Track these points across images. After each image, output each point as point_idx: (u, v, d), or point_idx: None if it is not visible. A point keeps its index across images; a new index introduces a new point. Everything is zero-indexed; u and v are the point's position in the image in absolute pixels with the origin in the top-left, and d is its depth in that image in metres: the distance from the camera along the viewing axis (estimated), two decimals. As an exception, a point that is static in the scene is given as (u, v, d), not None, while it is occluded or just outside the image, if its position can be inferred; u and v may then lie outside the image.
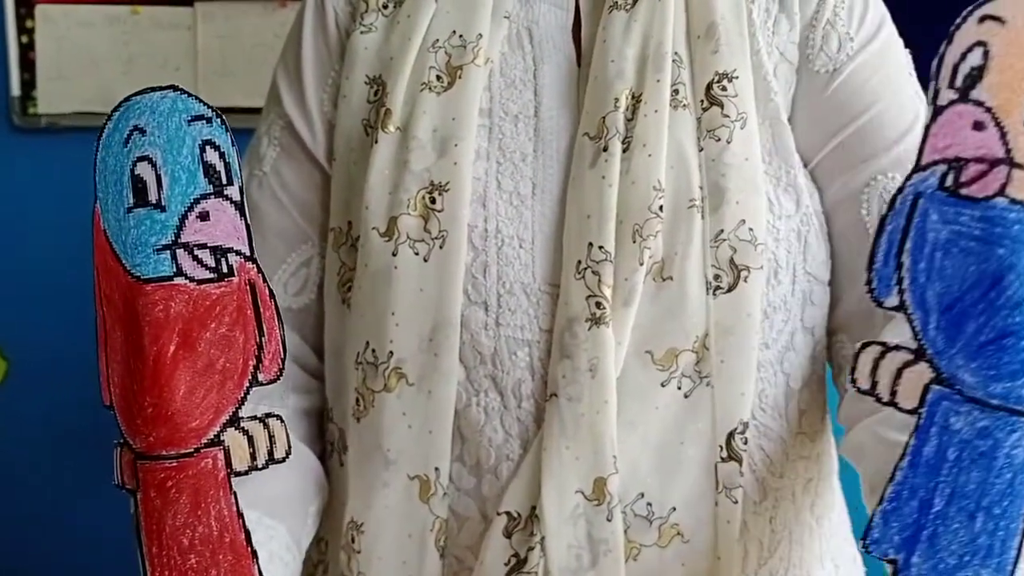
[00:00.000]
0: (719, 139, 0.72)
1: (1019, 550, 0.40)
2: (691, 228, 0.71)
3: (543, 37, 0.76)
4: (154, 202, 0.40)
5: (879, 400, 0.42)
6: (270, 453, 0.43)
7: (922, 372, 0.40)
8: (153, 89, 0.43)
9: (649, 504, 0.72)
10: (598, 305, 0.69)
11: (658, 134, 0.71)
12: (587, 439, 0.69)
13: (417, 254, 0.72)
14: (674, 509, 0.72)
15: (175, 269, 0.40)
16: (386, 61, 0.76)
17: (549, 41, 0.76)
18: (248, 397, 0.43)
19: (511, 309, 0.72)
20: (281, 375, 0.42)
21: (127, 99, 0.43)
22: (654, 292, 0.71)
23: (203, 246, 0.40)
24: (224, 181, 0.41)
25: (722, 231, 0.71)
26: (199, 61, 1.65)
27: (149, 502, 0.42)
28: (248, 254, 0.42)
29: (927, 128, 0.39)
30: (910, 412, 0.41)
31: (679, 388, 0.71)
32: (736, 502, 0.72)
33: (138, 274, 0.40)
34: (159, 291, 0.40)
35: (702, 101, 0.73)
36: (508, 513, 0.71)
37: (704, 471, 0.72)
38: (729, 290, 0.71)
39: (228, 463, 0.42)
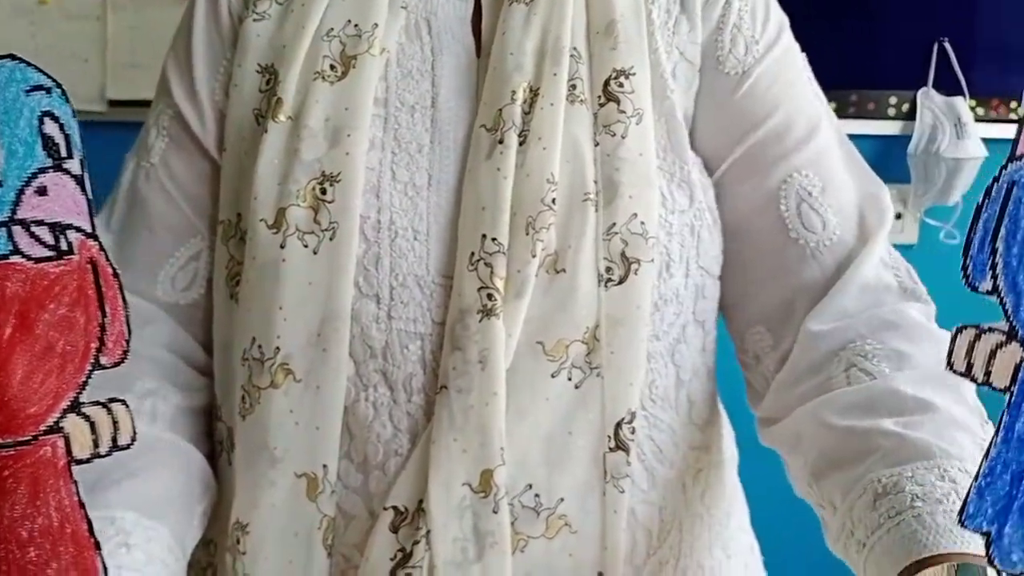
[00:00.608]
0: (614, 134, 0.73)
1: None
2: (584, 221, 0.71)
3: (441, 28, 0.76)
4: None
5: (974, 380, 0.42)
6: (114, 440, 0.40)
7: (1015, 352, 0.41)
8: None
9: (537, 495, 0.71)
10: (490, 297, 0.69)
11: (553, 128, 0.71)
12: (475, 431, 0.69)
13: (306, 246, 0.70)
14: (562, 500, 0.72)
15: (11, 247, 0.38)
16: (279, 49, 0.75)
17: (448, 32, 0.76)
18: (90, 381, 0.40)
19: (404, 302, 0.71)
20: (126, 357, 0.40)
21: None
22: (547, 284, 0.71)
23: (40, 222, 0.38)
24: (64, 154, 0.39)
25: (615, 224, 0.71)
26: (109, 52, 1.61)
27: (-16, 493, 0.39)
28: (89, 231, 0.39)
29: (1021, 119, 0.40)
30: (1003, 391, 0.41)
31: (569, 379, 0.71)
32: (623, 492, 0.72)
33: None
34: None
35: (599, 97, 0.74)
36: (395, 508, 0.70)
37: (592, 461, 0.72)
38: (620, 282, 0.71)
39: (69, 451, 0.39)
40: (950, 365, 0.42)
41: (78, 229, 0.39)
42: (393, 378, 0.72)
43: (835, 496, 0.70)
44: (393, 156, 0.73)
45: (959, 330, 0.42)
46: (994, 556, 0.42)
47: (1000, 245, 0.41)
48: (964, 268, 0.42)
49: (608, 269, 0.72)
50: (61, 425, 0.39)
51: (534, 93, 0.73)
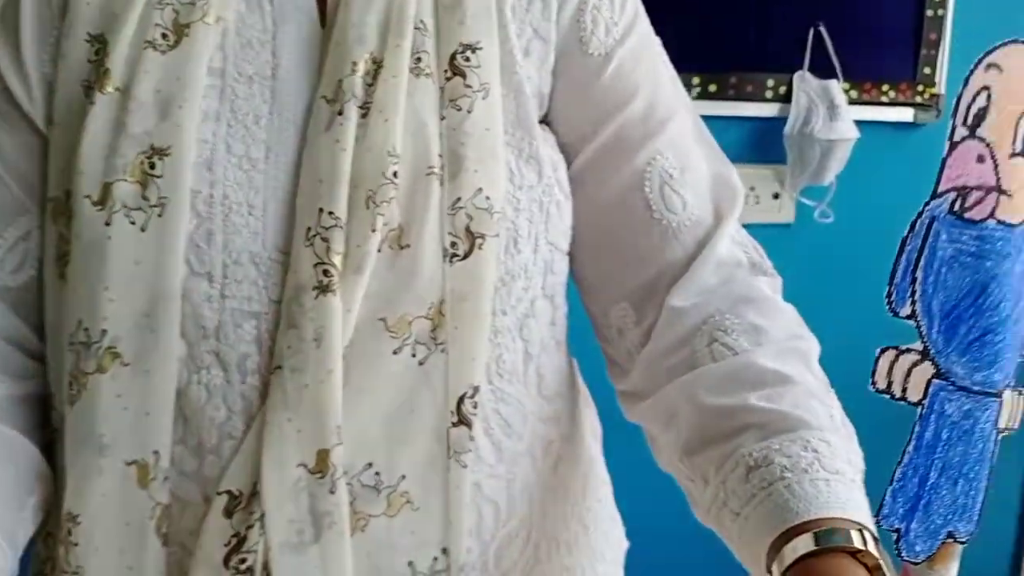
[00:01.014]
0: (460, 108, 0.72)
1: (983, 504, 0.48)
2: (428, 195, 0.70)
3: None
4: None
5: (893, 396, 0.44)
6: None
7: (926, 369, 0.49)
8: None
9: (377, 473, 0.70)
10: (326, 273, 0.67)
11: (396, 100, 0.70)
12: (310, 411, 0.67)
13: (133, 223, 0.68)
14: (403, 477, 0.71)
15: None
16: (109, 17, 0.71)
17: (290, 2, 0.73)
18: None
19: (238, 280, 0.69)
20: None
21: None
22: (390, 260, 0.70)
23: None
24: None
25: (460, 199, 0.71)
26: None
27: None
28: None
29: (944, 160, 0.43)
30: (916, 404, 0.43)
31: (413, 355, 0.70)
32: (466, 467, 0.72)
33: None
34: None
35: (446, 71, 0.73)
36: (229, 492, 0.69)
37: (435, 437, 0.71)
38: (465, 257, 0.71)
39: None
40: (873, 384, 0.46)
41: None
42: (227, 359, 0.69)
43: (708, 471, 0.72)
44: (229, 128, 0.70)
45: (882, 351, 0.47)
46: (902, 548, 0.47)
47: (919, 275, 0.45)
48: (888, 296, 0.47)
49: (453, 244, 0.71)
50: None
51: (377, 65, 0.71)
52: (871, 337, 1.75)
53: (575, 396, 0.88)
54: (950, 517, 0.47)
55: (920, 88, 1.97)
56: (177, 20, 0.71)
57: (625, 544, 0.96)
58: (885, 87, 1.97)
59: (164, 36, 0.70)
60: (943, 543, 0.47)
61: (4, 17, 0.75)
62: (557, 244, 0.79)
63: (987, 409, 0.47)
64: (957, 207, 0.45)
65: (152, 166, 0.68)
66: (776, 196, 1.98)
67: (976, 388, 0.46)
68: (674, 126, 0.82)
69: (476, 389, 0.72)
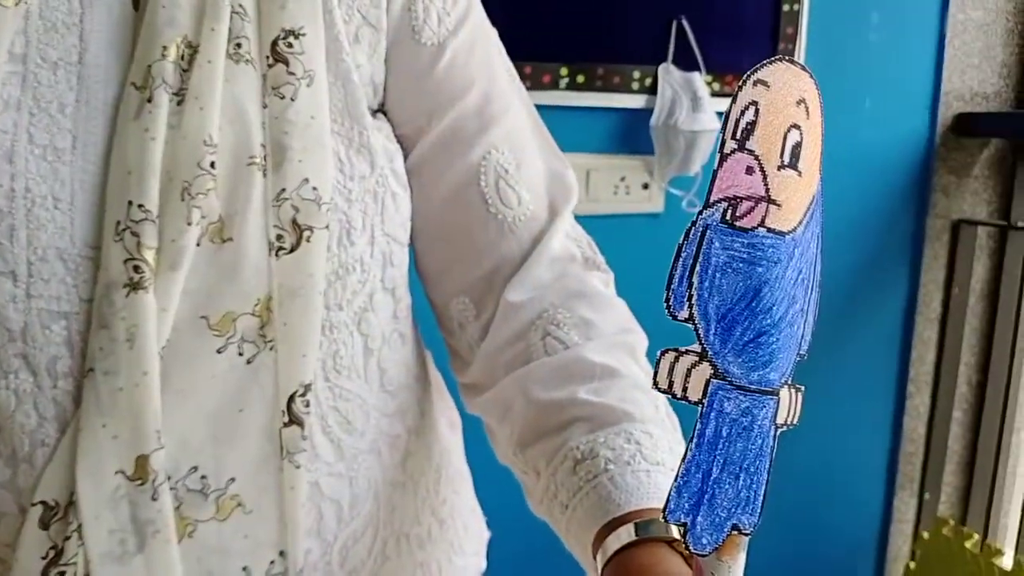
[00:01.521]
0: (283, 96, 0.70)
1: (764, 496, 0.52)
2: (251, 187, 0.68)
3: None
4: None
5: (674, 395, 0.50)
6: None
7: (705, 370, 0.50)
8: None
9: (204, 477, 0.68)
10: (136, 269, 0.64)
11: (211, 87, 0.67)
12: (126, 415, 0.64)
13: None
14: (233, 480, 0.69)
15: None
16: None
17: None
18: None
19: (44, 278, 0.65)
20: None
21: None
22: (212, 254, 0.67)
23: None
24: None
25: (284, 190, 0.68)
26: None
27: None
28: None
29: (715, 172, 0.48)
30: (696, 403, 0.50)
31: (240, 354, 0.68)
32: (299, 467, 0.70)
33: None
34: None
35: (267, 57, 0.70)
36: (44, 503, 0.65)
37: (266, 437, 0.70)
38: (292, 250, 0.68)
39: None
40: (655, 384, 0.50)
41: None
42: (36, 362, 0.65)
43: (540, 463, 0.73)
44: (31, 117, 0.66)
45: (662, 353, 0.50)
46: (689, 541, 0.50)
47: (695, 280, 0.49)
48: (666, 300, 0.49)
49: (279, 237, 0.68)
50: None
51: (193, 50, 0.68)
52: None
53: (425, 388, 0.87)
54: (733, 510, 0.50)
55: (778, 80, 2.03)
56: None
57: (487, 534, 0.96)
58: (745, 79, 2.02)
59: None
60: (729, 535, 0.50)
61: None
62: (395, 236, 0.77)
63: (764, 407, 0.50)
64: (728, 216, 0.48)
65: None
66: (646, 186, 2.02)
67: (753, 387, 0.49)
68: (509, 120, 0.81)
69: (308, 387, 0.70)
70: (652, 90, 1.96)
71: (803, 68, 0.48)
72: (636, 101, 1.97)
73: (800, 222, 0.50)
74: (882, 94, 2.19)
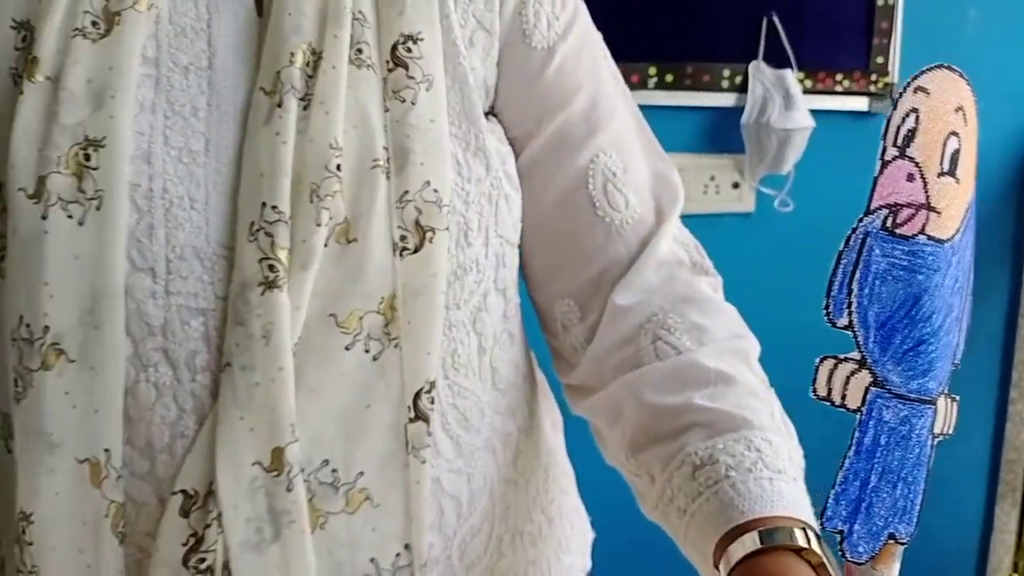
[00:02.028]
0: (404, 100, 0.71)
1: (922, 505, 0.51)
2: (375, 189, 0.69)
3: None
4: None
5: (832, 403, 0.49)
6: None
7: (864, 378, 0.49)
8: None
9: (335, 470, 0.70)
10: (271, 268, 0.66)
11: (336, 92, 0.69)
12: (262, 409, 0.66)
13: (71, 217, 0.66)
14: (361, 474, 0.70)
15: None
16: (34, 3, 0.69)
17: None
18: None
19: (183, 275, 0.67)
20: None
21: None
22: (338, 254, 0.68)
23: None
24: None
25: (407, 192, 0.70)
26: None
27: None
28: None
29: (875, 179, 0.48)
30: (855, 411, 0.49)
31: (367, 351, 0.70)
32: (424, 462, 0.71)
33: None
34: None
35: (387, 62, 0.72)
36: (184, 491, 0.67)
37: (392, 433, 0.71)
38: (415, 251, 0.70)
39: None
40: (814, 391, 0.50)
41: None
42: (175, 356, 0.67)
43: (654, 468, 0.74)
44: (166, 120, 0.68)
45: (821, 360, 0.50)
46: (846, 549, 0.50)
47: (855, 287, 0.49)
48: (826, 307, 0.49)
49: (403, 238, 0.70)
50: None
51: (317, 56, 0.70)
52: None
53: (532, 388, 0.87)
54: (890, 519, 0.50)
55: (873, 77, 1.98)
56: (107, 7, 0.68)
57: (591, 535, 0.96)
58: (839, 76, 1.98)
59: (94, 24, 0.68)
60: (884, 544, 0.49)
61: None
62: (507, 237, 0.78)
63: (923, 416, 0.50)
64: (888, 223, 0.47)
65: (87, 158, 0.66)
66: (736, 186, 1.99)
67: (912, 395, 0.48)
68: (616, 124, 0.81)
69: (432, 384, 0.71)
70: (742, 88, 1.93)
71: (961, 75, 0.48)
72: (726, 100, 1.94)
73: (958, 230, 0.49)
74: (980, 91, 2.11)
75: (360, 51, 0.71)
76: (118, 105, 0.66)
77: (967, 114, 0.49)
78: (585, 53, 0.81)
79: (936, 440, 0.49)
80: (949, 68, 0.48)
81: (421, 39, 0.72)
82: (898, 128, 0.47)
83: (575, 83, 0.80)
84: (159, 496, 0.68)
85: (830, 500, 0.50)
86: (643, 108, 0.87)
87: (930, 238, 0.48)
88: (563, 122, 0.79)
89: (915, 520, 0.50)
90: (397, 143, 0.70)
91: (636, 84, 1.83)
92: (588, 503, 0.97)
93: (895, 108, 0.47)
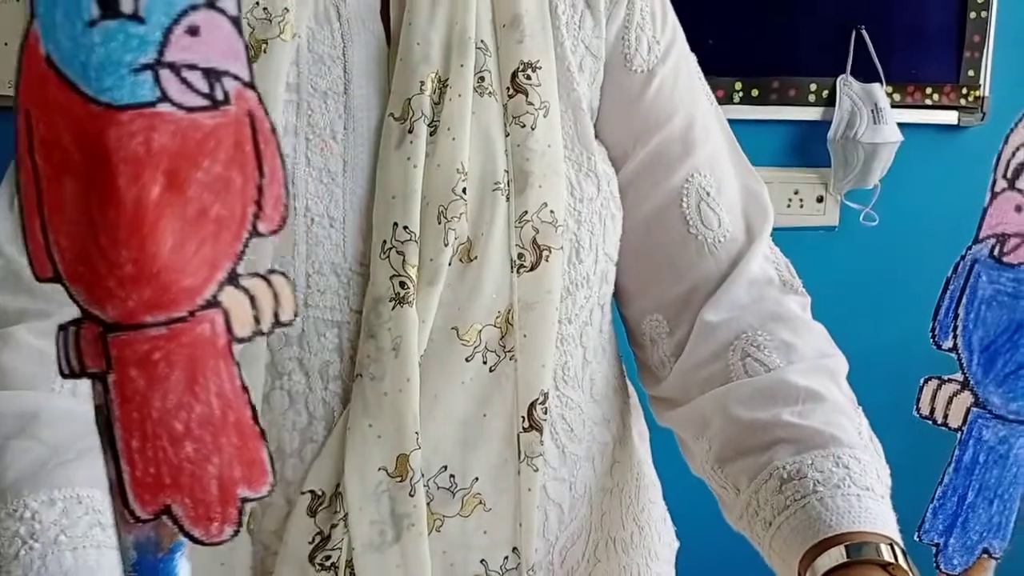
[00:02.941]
0: (524, 125, 0.75)
1: (1016, 522, 0.52)
2: (496, 210, 0.73)
3: (351, 15, 0.76)
4: (129, 12, 0.31)
5: (935, 422, 0.51)
6: (276, 315, 0.35)
7: (966, 398, 0.51)
8: None
9: (452, 476, 0.73)
10: (402, 285, 0.70)
11: (462, 119, 0.73)
12: (389, 417, 0.70)
13: None
14: (477, 479, 0.74)
15: (159, 93, 0.32)
16: None
17: (358, 19, 0.76)
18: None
19: (320, 290, 0.71)
20: (283, 224, 0.34)
21: None
22: (461, 271, 0.72)
23: (193, 67, 0.32)
24: None
25: (526, 213, 0.74)
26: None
27: (128, 383, 0.33)
28: (247, 79, 0.34)
29: (985, 210, 0.49)
30: (956, 430, 0.51)
31: (484, 362, 0.73)
32: (536, 470, 0.75)
33: (108, 99, 0.31)
34: (138, 119, 0.32)
35: (508, 89, 0.75)
36: (312, 492, 0.71)
37: (506, 441, 0.74)
38: (532, 268, 0.74)
39: (228, 328, 0.34)
40: (918, 410, 0.51)
41: (235, 77, 0.33)
42: (309, 365, 0.72)
43: (740, 481, 0.75)
44: (308, 142, 0.72)
45: (925, 381, 0.52)
46: (940, 562, 0.51)
47: (961, 311, 0.50)
48: (932, 330, 0.51)
49: (520, 256, 0.74)
50: (219, 299, 0.34)
51: (443, 84, 0.74)
52: (916, 337, 1.75)
53: (624, 399, 0.90)
54: (985, 534, 0.52)
55: (964, 91, 1.96)
56: (254, 35, 0.72)
57: (676, 544, 0.98)
58: (928, 90, 1.96)
59: None
60: (978, 558, 0.51)
61: None
62: (611, 255, 0.82)
63: (1021, 436, 0.51)
64: (996, 252, 0.49)
65: None
66: (820, 199, 1.98)
67: (1012, 417, 0.51)
68: (711, 144, 0.84)
69: (546, 395, 0.75)
70: (827, 102, 1.93)
71: None
72: (812, 113, 1.94)
73: None
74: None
75: (483, 79, 0.75)
76: None
77: None
78: (682, 74, 0.84)
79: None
80: None
81: (539, 67, 0.76)
82: (1009, 161, 0.48)
83: (672, 104, 0.82)
84: (287, 497, 0.72)
85: (928, 514, 0.51)
86: (728, 122, 0.89)
87: None
88: (660, 143, 0.82)
89: (1009, 535, 0.52)
90: (517, 166, 0.74)
91: (722, 99, 1.83)
92: (672, 513, 0.98)
93: (1006, 143, 0.49)
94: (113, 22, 0.32)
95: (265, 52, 0.72)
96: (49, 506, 0.63)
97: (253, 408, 0.35)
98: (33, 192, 0.34)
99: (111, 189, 0.32)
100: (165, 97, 0.32)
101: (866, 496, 0.69)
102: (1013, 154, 0.48)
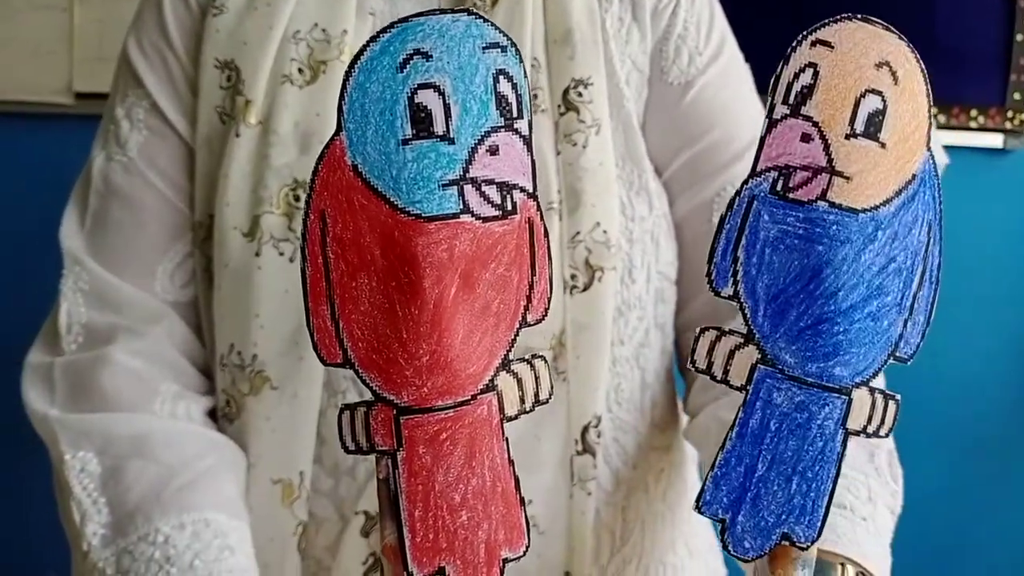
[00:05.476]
0: (575, 144, 0.75)
1: (827, 509, 0.47)
2: (549, 230, 0.73)
3: None
4: (440, 134, 0.37)
5: (713, 378, 0.47)
6: (536, 395, 0.41)
7: (750, 354, 0.46)
8: (436, 10, 0.40)
9: None
10: None
11: None
12: None
13: (282, 254, 0.72)
14: (530, 502, 0.74)
15: (461, 206, 0.38)
16: (239, 46, 0.75)
17: None
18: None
19: None
20: (547, 314, 0.40)
21: (402, 21, 0.39)
22: None
23: (491, 182, 0.38)
24: (515, 114, 0.39)
25: (578, 233, 0.74)
26: (75, 45, 1.56)
27: (416, 460, 0.39)
28: (531, 191, 0.39)
29: (762, 138, 0.45)
30: (739, 389, 0.47)
31: None
32: (590, 494, 0.76)
33: (418, 211, 0.37)
34: (444, 229, 0.37)
35: (559, 106, 0.76)
36: (365, 512, 0.72)
37: (560, 464, 0.75)
38: (585, 289, 0.74)
39: (501, 408, 0.40)
40: (693, 363, 0.47)
41: (522, 189, 0.39)
42: (363, 385, 0.73)
43: None
44: None
45: (702, 331, 0.47)
46: (729, 542, 0.47)
47: (741, 254, 0.46)
48: (708, 274, 0.47)
49: (573, 276, 0.74)
50: (495, 383, 0.39)
51: None
52: (959, 352, 1.79)
53: (681, 423, 0.90)
54: (785, 517, 0.48)
55: (1010, 114, 2.02)
56: (313, 56, 0.73)
57: (723, 572, 0.98)
58: (973, 112, 2.01)
59: (300, 71, 0.73)
60: (780, 545, 0.48)
61: (144, 37, 0.78)
62: (666, 273, 0.82)
63: (826, 405, 0.47)
64: (779, 187, 0.46)
65: (297, 198, 0.72)
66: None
67: (811, 380, 0.47)
68: (751, 157, 0.84)
69: (599, 419, 0.75)
70: (872, 122, 1.96)
71: (886, 28, 0.45)
72: (855, 133, 1.97)
73: (888, 200, 0.46)
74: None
75: (535, 96, 0.75)
76: None
77: (897, 72, 0.46)
78: (728, 87, 0.83)
79: (849, 437, 0.47)
80: (865, 19, 0.46)
81: (591, 83, 0.76)
82: (790, 84, 0.45)
83: (711, 116, 0.81)
84: (340, 513, 0.74)
85: (707, 483, 0.48)
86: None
87: (834, 205, 0.45)
88: (694, 155, 0.81)
89: (818, 523, 0.47)
90: (569, 186, 0.74)
91: (766, 116, 1.87)
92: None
93: (785, 64, 0.45)
94: (426, 142, 0.37)
95: (324, 73, 0.73)
96: (180, 530, 0.67)
97: (516, 479, 0.40)
98: (322, 283, 0.39)
99: (416, 290, 0.38)
100: (467, 209, 0.38)
101: (838, 513, 0.67)
102: (795, 76, 0.45)
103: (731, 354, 0.47)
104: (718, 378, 0.47)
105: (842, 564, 0.63)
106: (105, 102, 0.81)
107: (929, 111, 0.48)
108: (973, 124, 2.02)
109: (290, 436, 0.72)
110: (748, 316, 0.46)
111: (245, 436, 0.73)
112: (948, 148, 1.95)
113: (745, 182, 0.46)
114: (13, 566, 1.63)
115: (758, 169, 0.46)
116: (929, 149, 0.49)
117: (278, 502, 0.73)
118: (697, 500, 0.47)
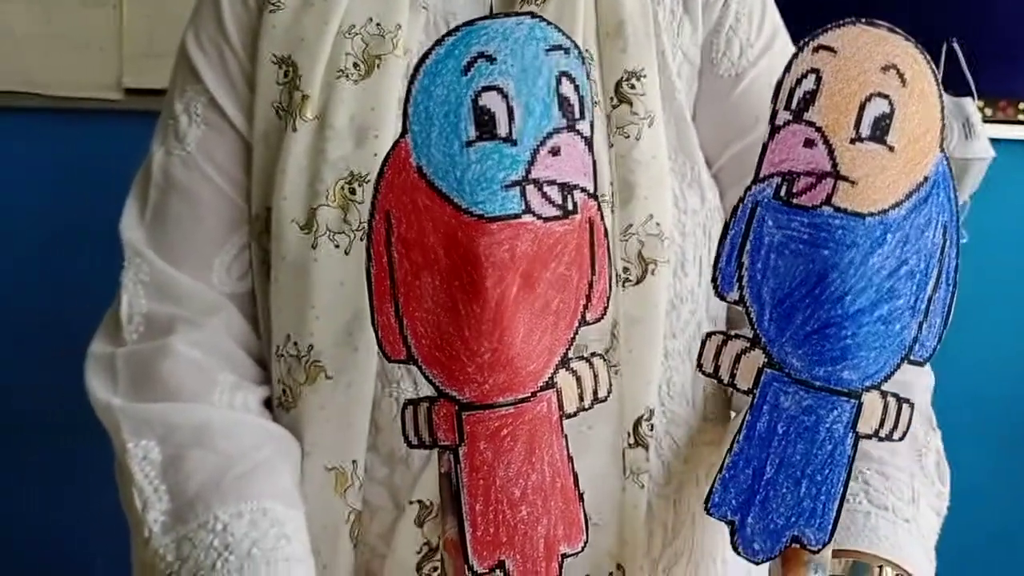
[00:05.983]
0: (628, 136, 0.75)
1: (838, 512, 0.48)
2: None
3: None
4: (503, 135, 0.38)
5: (720, 381, 0.48)
6: (594, 392, 0.42)
7: (757, 357, 0.46)
8: (500, 15, 0.41)
9: None
10: None
11: None
12: None
13: (337, 247, 0.72)
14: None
15: (523, 206, 0.38)
16: (296, 42, 0.76)
17: None
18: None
19: None
20: (606, 313, 0.41)
21: (466, 24, 0.40)
22: None
23: (552, 182, 0.39)
24: (577, 115, 0.39)
25: (631, 225, 0.74)
26: (125, 41, 1.58)
27: (477, 455, 0.40)
28: (592, 191, 0.40)
29: (765, 145, 0.45)
30: (746, 392, 0.47)
31: None
32: (642, 487, 0.75)
33: (481, 212, 0.38)
34: (506, 230, 0.38)
35: (612, 98, 0.75)
36: (420, 502, 0.73)
37: (612, 457, 0.75)
38: (637, 282, 0.74)
39: (560, 405, 0.41)
40: (699, 366, 0.48)
41: (583, 190, 0.40)
42: (418, 374, 0.73)
43: None
44: None
45: (708, 335, 0.48)
46: (738, 543, 0.48)
47: (746, 259, 0.46)
48: (714, 279, 0.47)
49: (625, 269, 0.73)
50: (555, 381, 0.40)
51: None
52: (1005, 348, 1.78)
53: (731, 419, 0.90)
54: (794, 520, 0.48)
55: (1058, 107, 2.00)
56: (367, 51, 0.74)
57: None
58: (1021, 105, 1.99)
59: (355, 66, 0.74)
60: (790, 547, 0.48)
61: (203, 32, 0.79)
62: None
63: (835, 408, 0.47)
64: (783, 193, 0.46)
65: (352, 191, 0.72)
66: (906, 214, 2.01)
67: (818, 383, 0.47)
68: None
69: (652, 412, 0.75)
70: (917, 115, 1.95)
71: (891, 30, 0.45)
72: (900, 127, 1.96)
73: (898, 203, 0.45)
74: None
75: None
76: (381, 143, 0.71)
77: (905, 75, 0.47)
78: (775, 78, 0.84)
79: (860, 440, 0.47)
80: (869, 22, 0.46)
81: (644, 75, 0.75)
82: (792, 90, 0.45)
83: (761, 108, 0.77)
84: (394, 501, 0.74)
85: (716, 485, 0.49)
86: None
87: (839, 210, 0.45)
88: (743, 148, 0.80)
89: (829, 527, 0.48)
90: (622, 178, 0.74)
91: (810, 109, 1.86)
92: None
93: (787, 71, 0.45)
94: (489, 143, 0.38)
95: (379, 68, 0.74)
96: (238, 518, 0.68)
97: (575, 474, 0.41)
98: (387, 281, 0.40)
99: (478, 289, 0.38)
100: (528, 209, 0.39)
101: (879, 515, 0.68)
102: (798, 83, 0.45)
103: (737, 358, 0.47)
104: (725, 381, 0.47)
105: (880, 567, 0.63)
106: (154, 97, 0.84)
107: (941, 112, 0.48)
108: (1021, 117, 2.00)
109: (344, 425, 0.73)
110: (754, 320, 0.46)
111: (300, 425, 0.74)
112: (995, 141, 1.94)
113: (748, 188, 0.46)
114: (63, 555, 1.66)
115: (761, 175, 0.46)
116: (943, 150, 0.48)
117: (331, 490, 0.73)
118: (706, 501, 0.48)
